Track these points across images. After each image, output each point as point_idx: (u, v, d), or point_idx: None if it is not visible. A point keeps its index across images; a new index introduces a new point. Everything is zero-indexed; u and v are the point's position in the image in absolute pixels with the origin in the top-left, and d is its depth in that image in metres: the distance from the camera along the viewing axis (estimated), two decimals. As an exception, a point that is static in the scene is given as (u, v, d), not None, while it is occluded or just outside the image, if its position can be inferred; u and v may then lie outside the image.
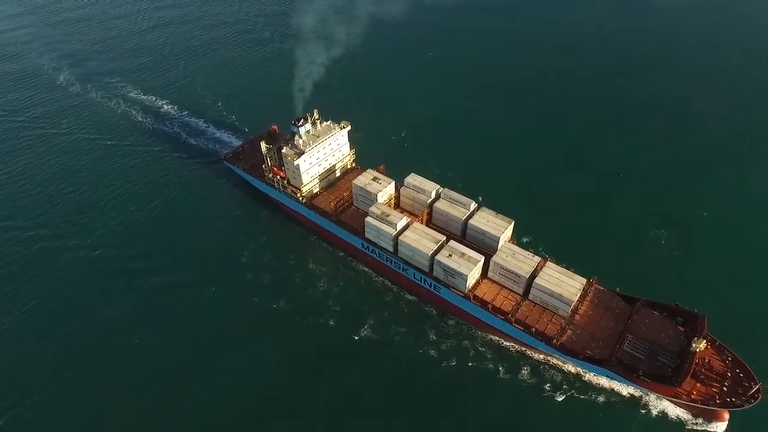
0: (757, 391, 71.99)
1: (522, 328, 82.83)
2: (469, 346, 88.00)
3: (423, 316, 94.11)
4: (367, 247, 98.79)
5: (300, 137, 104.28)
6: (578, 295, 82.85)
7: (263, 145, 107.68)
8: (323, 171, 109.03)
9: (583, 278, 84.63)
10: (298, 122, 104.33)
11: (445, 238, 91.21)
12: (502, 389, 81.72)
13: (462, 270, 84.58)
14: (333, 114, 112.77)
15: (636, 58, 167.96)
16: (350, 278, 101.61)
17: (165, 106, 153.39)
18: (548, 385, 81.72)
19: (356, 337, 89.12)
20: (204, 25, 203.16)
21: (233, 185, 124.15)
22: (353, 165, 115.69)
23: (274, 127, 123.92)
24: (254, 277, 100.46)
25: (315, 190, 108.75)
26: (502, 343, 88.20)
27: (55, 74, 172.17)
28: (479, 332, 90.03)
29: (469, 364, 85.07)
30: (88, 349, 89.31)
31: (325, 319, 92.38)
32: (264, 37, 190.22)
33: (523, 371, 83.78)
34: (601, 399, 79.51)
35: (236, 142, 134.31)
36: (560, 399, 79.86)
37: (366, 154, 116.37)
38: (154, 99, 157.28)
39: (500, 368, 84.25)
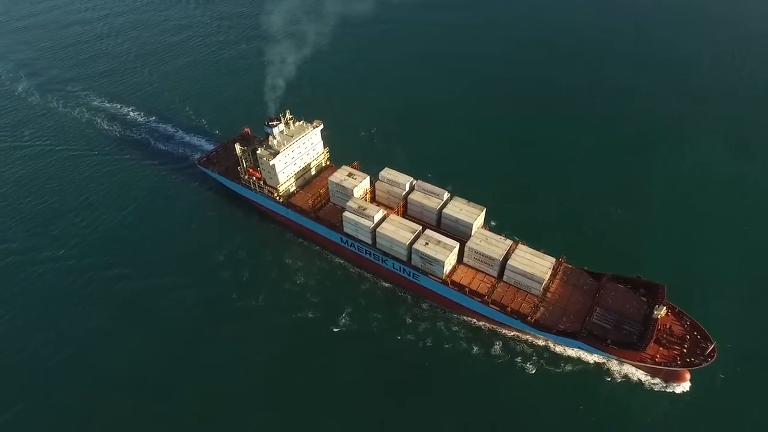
0: (713, 350, 78.54)
1: (498, 309, 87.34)
2: (443, 327, 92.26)
3: (398, 301, 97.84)
4: (346, 241, 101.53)
5: (274, 137, 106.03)
6: (549, 274, 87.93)
7: (238, 147, 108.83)
8: (299, 170, 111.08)
9: (553, 258, 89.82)
10: (272, 123, 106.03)
11: (421, 227, 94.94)
12: (477, 365, 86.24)
13: (439, 257, 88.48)
14: (304, 113, 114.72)
15: (588, 50, 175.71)
16: (327, 270, 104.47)
17: (131, 113, 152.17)
18: (519, 358, 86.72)
19: (335, 326, 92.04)
20: (166, 29, 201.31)
21: (207, 189, 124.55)
22: (328, 163, 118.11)
23: (246, 129, 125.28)
24: (232, 275, 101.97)
25: (291, 189, 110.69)
26: (474, 323, 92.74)
27: (13, 84, 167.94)
28: (453, 314, 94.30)
29: (445, 345, 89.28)
30: (67, 359, 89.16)
31: (305, 311, 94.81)
32: (229, 40, 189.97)
33: (496, 347, 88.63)
34: (569, 368, 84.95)
35: (207, 146, 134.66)
36: (531, 370, 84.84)
37: (339, 152, 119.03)
38: (119, 106, 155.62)
39: (474, 346, 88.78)
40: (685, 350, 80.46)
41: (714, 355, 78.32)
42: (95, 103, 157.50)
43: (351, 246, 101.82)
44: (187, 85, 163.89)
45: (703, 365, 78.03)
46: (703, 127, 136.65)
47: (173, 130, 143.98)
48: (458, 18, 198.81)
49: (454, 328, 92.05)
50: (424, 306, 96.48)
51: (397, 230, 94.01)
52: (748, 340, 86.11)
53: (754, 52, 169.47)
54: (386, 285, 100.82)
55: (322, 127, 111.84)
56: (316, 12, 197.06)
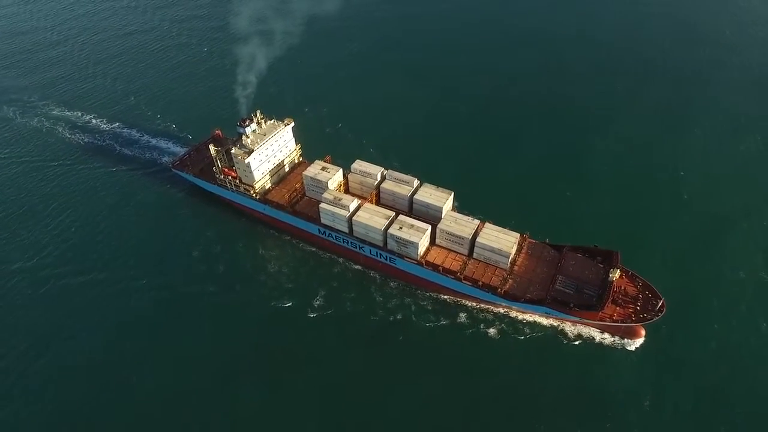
0: (662, 305, 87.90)
1: (471, 284, 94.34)
2: (411, 302, 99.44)
3: (368, 281, 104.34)
4: (324, 232, 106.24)
5: (247, 137, 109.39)
6: (514, 248, 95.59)
7: (212, 148, 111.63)
8: (273, 167, 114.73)
9: (517, 233, 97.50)
10: (244, 123, 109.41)
11: (394, 213, 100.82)
12: (444, 333, 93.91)
13: (413, 239, 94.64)
14: (272, 113, 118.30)
15: (532, 39, 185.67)
16: (299, 257, 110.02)
17: (95, 120, 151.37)
18: (482, 324, 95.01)
19: (311, 308, 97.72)
20: (126, 34, 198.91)
21: (180, 191, 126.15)
22: (300, 159, 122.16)
23: (217, 131, 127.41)
24: (208, 269, 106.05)
25: (267, 186, 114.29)
26: (439, 297, 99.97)
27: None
28: (419, 290, 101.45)
29: (413, 318, 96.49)
30: (49, 363, 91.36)
31: (281, 296, 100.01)
32: (191, 43, 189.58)
33: (461, 316, 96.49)
34: (531, 332, 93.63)
35: (175, 149, 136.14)
36: (496, 335, 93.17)
37: (310, 148, 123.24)
38: (80, 114, 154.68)
39: (441, 317, 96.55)
40: (638, 308, 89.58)
41: (663, 310, 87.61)
42: (55, 112, 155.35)
43: (329, 236, 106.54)
44: (152, 90, 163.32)
45: (654, 319, 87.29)
46: (637, 106, 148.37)
47: (139, 134, 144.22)
48: (415, 11, 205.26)
49: (422, 303, 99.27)
50: (393, 284, 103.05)
51: (372, 217, 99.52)
52: (690, 294, 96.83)
53: (687, 33, 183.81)
54: (356, 267, 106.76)
55: (293, 124, 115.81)
56: (276, 11, 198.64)
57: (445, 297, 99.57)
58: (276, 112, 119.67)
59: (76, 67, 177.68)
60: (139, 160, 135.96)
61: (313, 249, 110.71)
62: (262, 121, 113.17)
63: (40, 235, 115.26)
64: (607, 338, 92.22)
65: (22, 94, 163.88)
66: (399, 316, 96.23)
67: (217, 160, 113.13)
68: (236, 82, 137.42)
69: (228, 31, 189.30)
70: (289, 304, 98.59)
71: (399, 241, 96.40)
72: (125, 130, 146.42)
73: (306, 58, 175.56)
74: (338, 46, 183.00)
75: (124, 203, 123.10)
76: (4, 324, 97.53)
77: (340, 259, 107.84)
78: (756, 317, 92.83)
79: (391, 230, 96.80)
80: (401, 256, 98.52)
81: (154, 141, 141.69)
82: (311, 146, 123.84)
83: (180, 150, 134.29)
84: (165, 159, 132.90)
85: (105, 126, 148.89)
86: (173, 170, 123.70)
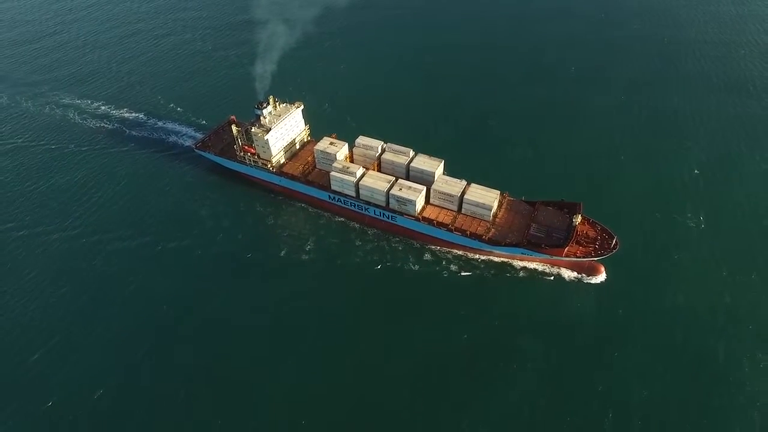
0: (616, 243, 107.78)
1: (460, 234, 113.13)
2: (386, 246, 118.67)
3: (349, 230, 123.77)
4: (334, 198, 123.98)
5: (264, 117, 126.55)
6: (496, 203, 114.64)
7: (234, 128, 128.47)
8: (286, 144, 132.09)
9: (498, 191, 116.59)
10: (261, 105, 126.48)
11: (394, 178, 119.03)
12: (414, 272, 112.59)
13: (411, 197, 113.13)
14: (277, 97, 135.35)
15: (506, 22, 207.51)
16: (291, 212, 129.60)
17: (103, 106, 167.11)
18: (444, 262, 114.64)
19: (303, 252, 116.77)
20: (116, 24, 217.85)
21: (202, 169, 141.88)
22: (309, 138, 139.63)
23: (232, 117, 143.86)
24: (215, 224, 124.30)
25: (282, 161, 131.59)
26: (409, 241, 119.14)
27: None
28: (392, 237, 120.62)
29: (388, 256, 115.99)
30: (87, 300, 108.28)
31: (277, 243, 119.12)
32: (195, 38, 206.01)
33: (426, 256, 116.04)
34: (482, 266, 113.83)
35: (193, 133, 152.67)
36: (455, 270, 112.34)
37: (316, 128, 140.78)
38: (89, 101, 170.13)
39: (410, 257, 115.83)
40: (597, 247, 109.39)
41: (617, 247, 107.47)
42: (65, 100, 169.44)
43: (338, 201, 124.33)
44: (165, 79, 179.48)
45: (609, 254, 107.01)
46: (579, 83, 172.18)
47: (157, 121, 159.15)
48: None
49: (395, 245, 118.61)
50: (370, 233, 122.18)
51: (376, 181, 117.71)
52: (642, 234, 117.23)
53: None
54: (339, 219, 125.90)
55: (303, 107, 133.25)
56: (276, 5, 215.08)
57: (414, 242, 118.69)
58: (280, 96, 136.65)
59: (87, 58, 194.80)
60: (161, 143, 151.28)
61: (303, 204, 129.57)
62: (276, 104, 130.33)
63: (66, 210, 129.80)
64: (573, 274, 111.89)
65: (32, 86, 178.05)
66: (375, 257, 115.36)
67: (238, 139, 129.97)
68: (243, 72, 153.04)
69: (218, 24, 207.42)
70: (286, 247, 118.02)
71: (399, 200, 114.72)
72: (143, 117, 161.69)
73: (305, 49, 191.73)
74: (326, 40, 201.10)
75: (153, 181, 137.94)
76: (45, 273, 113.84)
77: (326, 213, 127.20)
78: (682, 256, 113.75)
79: (392, 191, 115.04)
80: (401, 214, 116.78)
81: (171, 126, 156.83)
82: (317, 126, 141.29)
83: (197, 133, 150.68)
84: (184, 142, 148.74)
85: (114, 112, 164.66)
86: (196, 151, 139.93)
